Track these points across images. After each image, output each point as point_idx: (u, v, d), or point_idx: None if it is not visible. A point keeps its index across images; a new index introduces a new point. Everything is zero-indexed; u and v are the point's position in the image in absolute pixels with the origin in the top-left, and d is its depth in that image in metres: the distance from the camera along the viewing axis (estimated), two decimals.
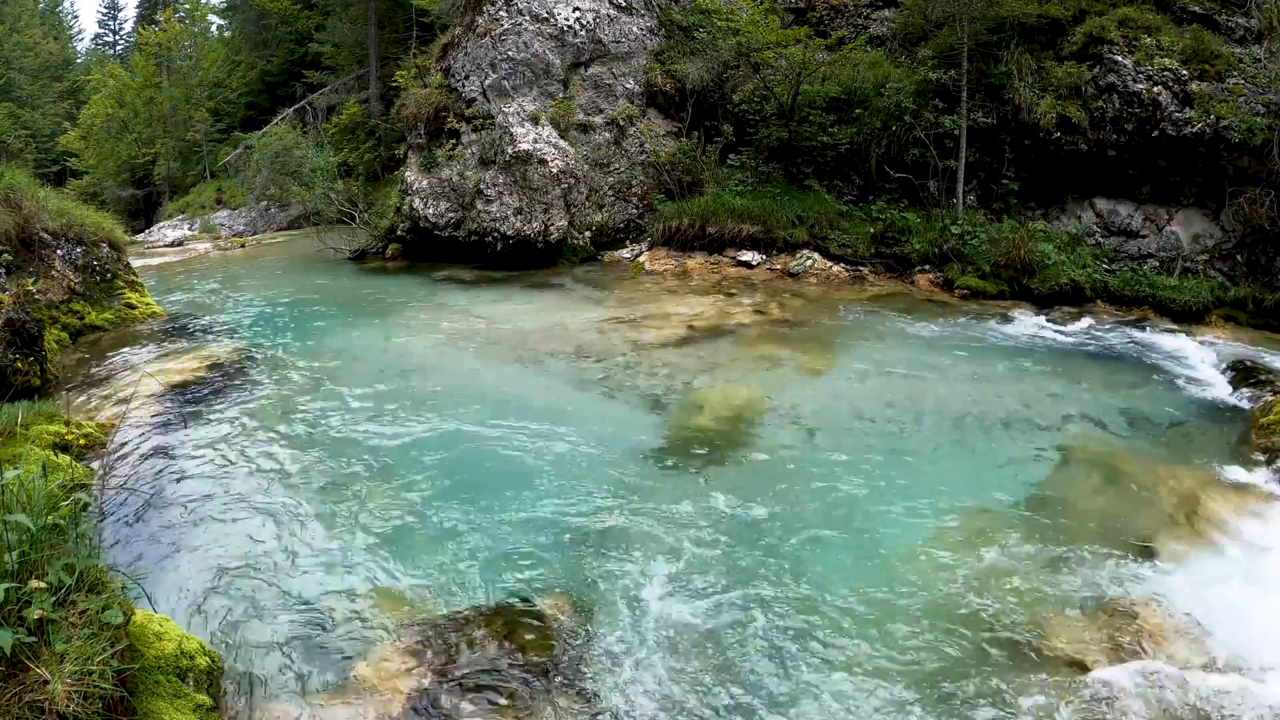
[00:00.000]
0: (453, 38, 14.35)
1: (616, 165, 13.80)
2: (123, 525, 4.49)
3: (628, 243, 13.44)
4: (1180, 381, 7.61)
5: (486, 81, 13.57)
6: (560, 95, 13.70)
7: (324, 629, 3.79)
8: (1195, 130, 10.24)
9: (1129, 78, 10.82)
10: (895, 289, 11.08)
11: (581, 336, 8.64)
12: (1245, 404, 6.93)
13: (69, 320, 7.89)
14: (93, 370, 6.98)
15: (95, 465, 5.04)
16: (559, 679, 3.56)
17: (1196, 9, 11.55)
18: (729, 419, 6.49)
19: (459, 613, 3.95)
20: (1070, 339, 9.04)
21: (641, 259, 12.48)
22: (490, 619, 3.90)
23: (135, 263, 9.91)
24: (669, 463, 5.70)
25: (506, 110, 13.18)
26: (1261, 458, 5.77)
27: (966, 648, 3.86)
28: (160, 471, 5.12)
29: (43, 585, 2.64)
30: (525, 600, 4.06)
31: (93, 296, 8.29)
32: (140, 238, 22.09)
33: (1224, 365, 7.93)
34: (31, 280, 7.61)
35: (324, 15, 27.21)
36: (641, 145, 13.86)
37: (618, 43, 14.04)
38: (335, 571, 4.25)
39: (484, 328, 9.13)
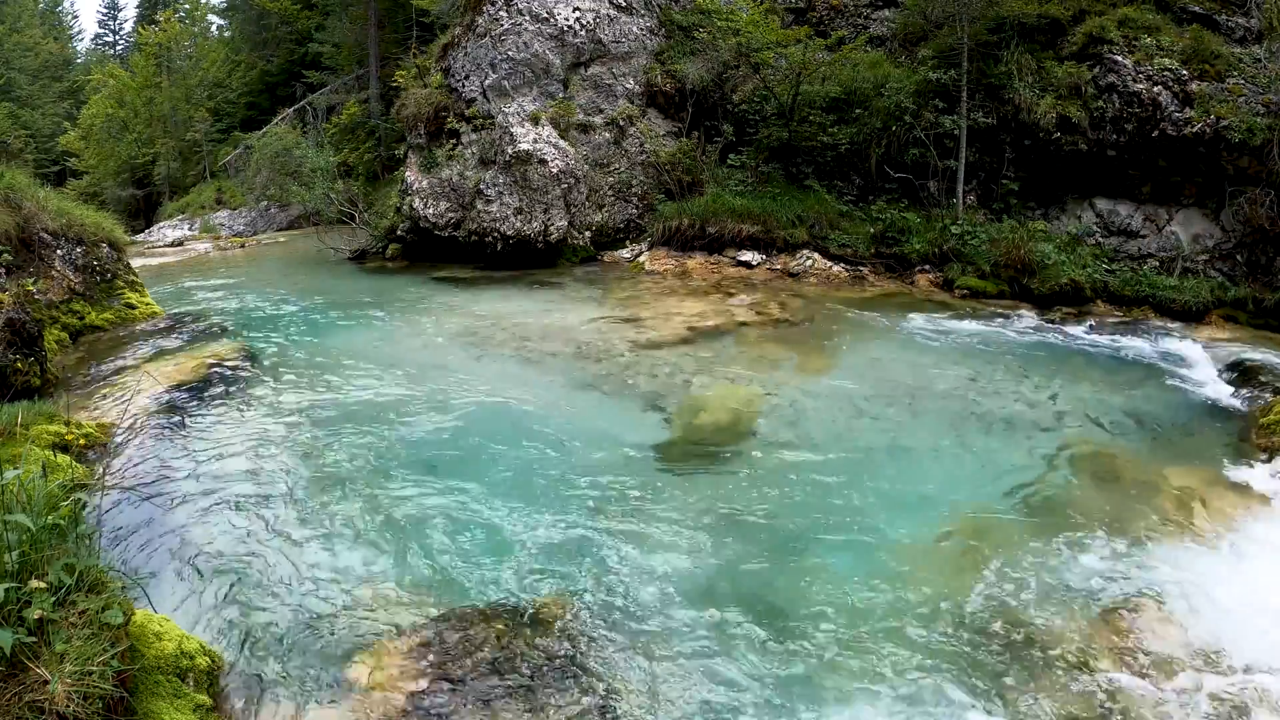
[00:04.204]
0: (453, 38, 14.35)
1: (616, 165, 13.79)
2: (123, 525, 4.48)
3: (628, 243, 13.44)
4: (1180, 381, 7.60)
5: (486, 81, 13.57)
6: (560, 95, 13.70)
7: (324, 628, 3.79)
8: (1195, 130, 10.24)
9: (1129, 78, 10.82)
10: (895, 289, 11.08)
11: (581, 336, 8.64)
12: (1245, 404, 6.93)
13: (69, 320, 7.88)
14: (93, 370, 6.98)
15: (95, 465, 5.04)
16: (559, 679, 3.56)
17: (1196, 9, 11.55)
18: (729, 419, 6.49)
19: (459, 612, 3.94)
20: (1070, 339, 9.04)
21: (641, 259, 12.48)
22: (490, 619, 3.89)
23: (135, 263, 9.91)
24: (669, 462, 5.70)
25: (506, 110, 13.18)
26: (1262, 457, 5.77)
27: (967, 648, 3.85)
28: (160, 471, 5.11)
29: (43, 585, 2.64)
30: (525, 600, 4.06)
31: (93, 296, 8.28)
32: (140, 238, 22.10)
33: (1224, 365, 7.93)
34: (31, 280, 7.61)
35: (324, 15, 27.25)
36: (641, 145, 13.86)
37: (618, 43, 14.04)
38: (336, 571, 4.25)
39: (484, 328, 9.13)
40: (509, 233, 12.80)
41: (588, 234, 13.34)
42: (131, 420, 5.72)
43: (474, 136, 13.51)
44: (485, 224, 12.93)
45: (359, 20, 24.67)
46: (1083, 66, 11.41)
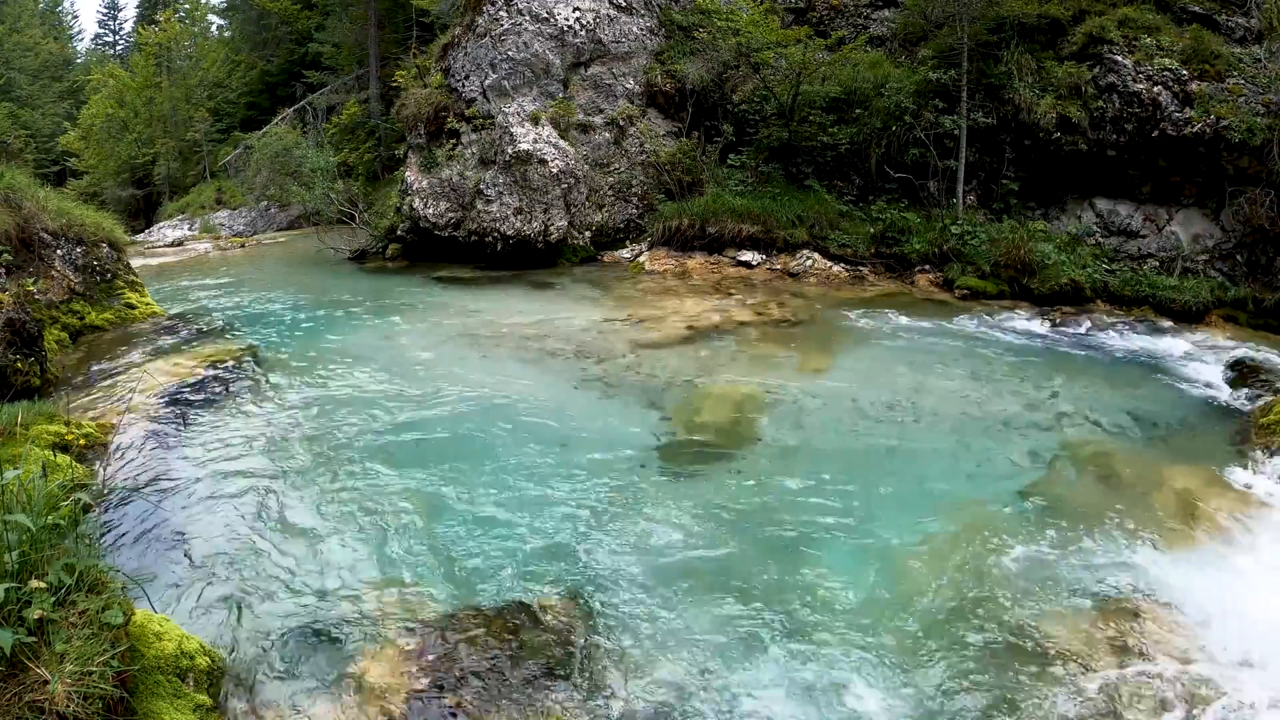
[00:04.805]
0: (453, 38, 14.36)
1: (616, 165, 13.79)
2: (123, 525, 4.48)
3: (628, 243, 13.44)
4: (1180, 381, 7.60)
5: (486, 81, 13.57)
6: (560, 95, 13.70)
7: (325, 629, 3.79)
8: (1195, 130, 10.23)
9: (1129, 78, 10.82)
10: (895, 289, 11.08)
11: (581, 336, 8.64)
12: (1245, 404, 6.93)
13: (69, 320, 7.88)
14: (93, 370, 6.98)
15: (95, 465, 5.04)
16: (559, 679, 3.56)
17: (1196, 9, 11.54)
18: (729, 419, 6.49)
19: (459, 612, 3.94)
20: (1070, 339, 9.04)
21: (641, 259, 12.48)
22: (490, 619, 3.90)
23: (135, 263, 9.91)
24: (669, 462, 5.70)
25: (506, 110, 13.18)
26: (1262, 458, 5.76)
27: (966, 648, 3.85)
28: (160, 471, 5.12)
29: (43, 585, 2.64)
30: (525, 600, 4.06)
31: (93, 296, 8.27)
32: (140, 238, 22.09)
33: (1224, 365, 7.92)
34: (31, 280, 7.61)
35: (324, 15, 27.25)
36: (641, 145, 13.86)
37: (618, 43, 14.04)
38: (336, 571, 4.25)
39: (484, 328, 9.13)
40: (509, 233, 12.80)
41: (588, 234, 13.34)
42: (131, 420, 5.72)
43: (474, 136, 13.51)
44: (485, 224, 12.93)
45: (359, 20, 24.66)
46: (1083, 66, 11.40)
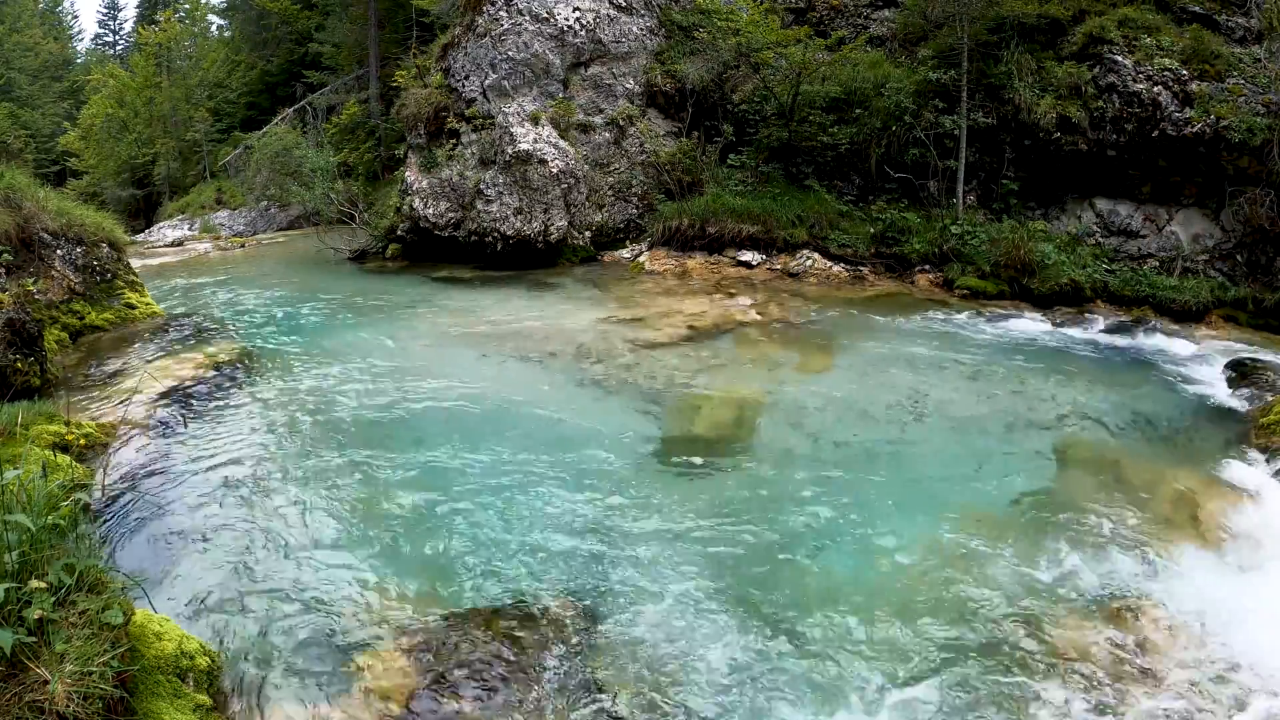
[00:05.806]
0: (453, 38, 14.36)
1: (616, 165, 13.80)
2: (123, 525, 4.48)
3: (628, 243, 13.44)
4: (1180, 381, 7.61)
5: (486, 81, 13.57)
6: (560, 95, 13.70)
7: (325, 629, 3.79)
8: (1195, 130, 10.24)
9: (1129, 78, 10.82)
10: (895, 289, 11.08)
11: (581, 336, 8.64)
12: (1244, 404, 6.93)
13: (69, 320, 7.88)
14: (93, 370, 6.98)
15: (95, 465, 5.03)
16: (560, 680, 3.56)
17: (1196, 9, 11.55)
18: (728, 419, 6.49)
19: (460, 613, 3.95)
20: (1070, 339, 9.04)
21: (641, 259, 12.48)
22: (491, 619, 3.90)
23: (135, 263, 9.90)
24: (669, 463, 5.70)
25: (506, 110, 13.18)
26: (1261, 458, 5.77)
27: (966, 649, 3.85)
28: (160, 471, 5.12)
29: (43, 585, 2.64)
30: (526, 600, 4.06)
31: (93, 296, 8.27)
32: (140, 238, 22.09)
33: (1224, 365, 7.93)
34: (31, 280, 7.61)
35: (324, 15, 27.28)
36: (641, 145, 13.86)
37: (618, 43, 14.04)
38: (336, 571, 4.25)
39: (484, 328, 9.13)
40: (509, 233, 12.80)
41: (588, 234, 13.34)
42: (131, 420, 5.72)
43: (474, 136, 13.51)
44: (485, 224, 12.93)
45: (359, 20, 24.69)
46: (1083, 66, 11.41)
